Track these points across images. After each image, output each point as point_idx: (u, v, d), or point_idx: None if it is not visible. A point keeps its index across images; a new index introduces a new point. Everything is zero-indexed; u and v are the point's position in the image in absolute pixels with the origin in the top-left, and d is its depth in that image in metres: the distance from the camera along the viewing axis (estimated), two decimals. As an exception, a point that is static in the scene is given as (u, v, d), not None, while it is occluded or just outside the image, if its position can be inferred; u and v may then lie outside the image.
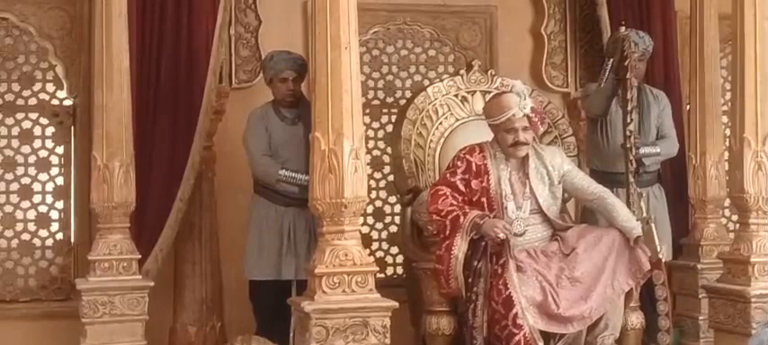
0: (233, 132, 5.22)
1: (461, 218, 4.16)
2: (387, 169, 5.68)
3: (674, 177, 5.41)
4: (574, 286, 4.11)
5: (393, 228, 5.69)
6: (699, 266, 5.12)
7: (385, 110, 5.75)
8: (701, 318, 5.08)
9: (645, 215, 4.37)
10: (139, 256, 4.68)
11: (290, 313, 4.44)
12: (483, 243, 4.16)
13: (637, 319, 4.43)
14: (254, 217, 4.91)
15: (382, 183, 5.73)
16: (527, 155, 4.34)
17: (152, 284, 4.67)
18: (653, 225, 4.30)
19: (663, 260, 4.31)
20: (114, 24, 4.60)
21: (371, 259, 3.96)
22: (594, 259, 4.17)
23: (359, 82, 3.83)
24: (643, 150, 5.07)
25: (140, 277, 4.65)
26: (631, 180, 4.80)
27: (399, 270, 5.66)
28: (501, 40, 5.85)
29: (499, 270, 4.12)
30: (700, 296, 5.05)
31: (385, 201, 5.75)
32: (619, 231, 4.23)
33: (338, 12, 3.76)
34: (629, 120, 4.83)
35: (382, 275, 5.33)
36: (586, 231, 4.30)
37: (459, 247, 4.15)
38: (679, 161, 5.34)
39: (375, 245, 5.71)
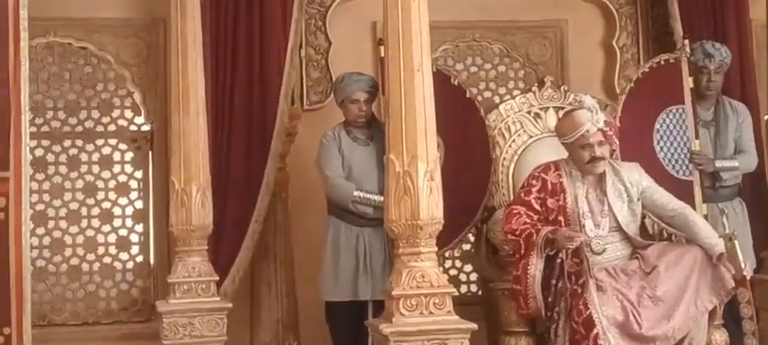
0: (305, 153, 5.27)
1: (534, 236, 4.12)
2: (459, 186, 5.66)
3: (754, 189, 5.26)
4: (656, 305, 4.03)
5: (467, 246, 5.66)
6: (782, 281, 4.99)
7: (456, 128, 5.74)
8: (785, 334, 4.94)
9: (727, 231, 4.26)
10: (217, 278, 4.75)
11: (367, 333, 4.45)
12: (559, 260, 4.09)
13: (721, 337, 4.33)
14: (329, 239, 4.92)
15: (455, 201, 5.72)
16: (604, 172, 4.28)
17: (230, 305, 4.74)
18: (736, 241, 4.19)
19: (748, 278, 4.21)
20: (189, 51, 4.69)
21: (448, 279, 3.94)
22: (676, 277, 4.08)
23: (432, 103, 3.80)
24: (720, 164, 4.96)
25: (219, 298, 4.73)
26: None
27: (474, 288, 5.63)
28: (571, 54, 5.79)
29: (579, 290, 4.06)
30: (783, 312, 4.93)
31: (458, 218, 5.73)
32: (701, 248, 4.15)
33: (411, 34, 3.74)
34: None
35: (457, 293, 5.29)
36: (667, 248, 4.22)
37: (536, 265, 4.10)
38: (758, 172, 5.20)
39: (449, 263, 5.69)
